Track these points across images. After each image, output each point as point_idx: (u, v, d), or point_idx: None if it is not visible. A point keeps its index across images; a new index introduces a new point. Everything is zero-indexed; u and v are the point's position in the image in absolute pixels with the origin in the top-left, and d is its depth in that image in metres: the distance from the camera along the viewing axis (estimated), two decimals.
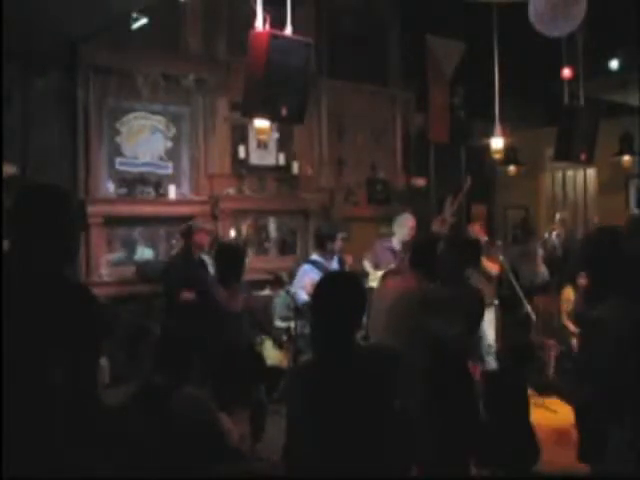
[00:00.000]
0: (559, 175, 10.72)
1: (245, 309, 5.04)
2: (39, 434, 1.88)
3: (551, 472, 3.69)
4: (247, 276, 6.30)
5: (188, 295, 5.47)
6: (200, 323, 5.05)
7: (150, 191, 6.87)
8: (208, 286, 5.13)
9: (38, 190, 2.10)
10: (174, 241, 6.67)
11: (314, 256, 6.10)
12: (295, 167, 7.84)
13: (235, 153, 7.51)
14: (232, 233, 6.97)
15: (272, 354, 6.09)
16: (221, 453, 2.91)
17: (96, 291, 4.29)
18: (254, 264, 6.79)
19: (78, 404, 1.92)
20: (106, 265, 6.62)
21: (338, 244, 5.90)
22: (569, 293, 7.03)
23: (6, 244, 2.04)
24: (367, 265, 6.38)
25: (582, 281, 6.91)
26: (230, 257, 5.12)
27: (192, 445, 2.71)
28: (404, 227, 6.32)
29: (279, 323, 6.46)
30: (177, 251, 6.25)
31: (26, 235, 1.98)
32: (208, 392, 3.47)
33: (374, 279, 6.30)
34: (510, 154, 9.35)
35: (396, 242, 6.34)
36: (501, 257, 6.60)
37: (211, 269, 5.70)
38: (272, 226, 7.90)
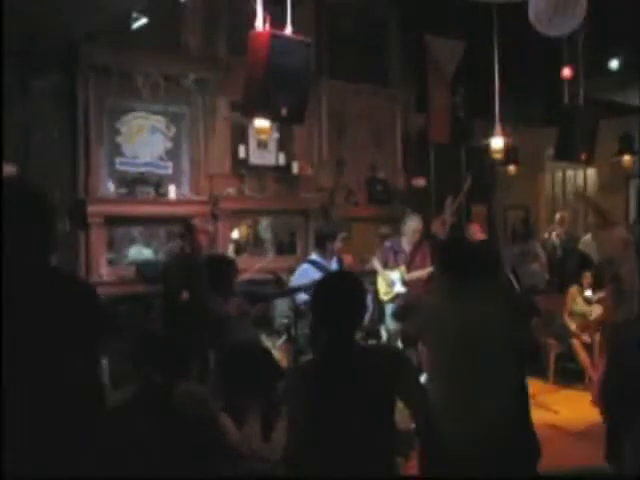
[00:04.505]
0: (559, 175, 10.72)
1: (240, 314, 5.02)
2: (38, 433, 1.88)
3: (552, 472, 3.69)
4: (247, 276, 6.32)
5: (185, 295, 5.48)
6: (201, 322, 5.05)
7: (150, 191, 6.87)
8: (206, 289, 5.12)
9: (9, 188, 2.10)
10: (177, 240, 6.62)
11: (313, 256, 6.13)
12: (295, 167, 7.84)
13: (235, 153, 7.52)
14: (234, 234, 6.97)
15: None
16: (221, 451, 2.91)
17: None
18: (254, 264, 6.79)
19: (80, 402, 1.93)
20: (106, 265, 6.63)
21: (338, 244, 5.93)
22: (574, 292, 7.02)
23: None
24: (376, 264, 6.45)
25: (587, 280, 6.91)
26: (220, 270, 5.08)
27: (192, 442, 2.71)
28: (409, 230, 6.37)
29: (279, 322, 6.47)
30: (176, 251, 6.24)
31: (6, 232, 1.98)
32: (209, 390, 3.47)
33: (383, 278, 6.36)
34: (510, 154, 9.34)
35: (405, 243, 6.40)
36: None
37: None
38: (272, 226, 7.90)
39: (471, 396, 2.87)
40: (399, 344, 5.94)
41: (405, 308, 3.44)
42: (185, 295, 5.45)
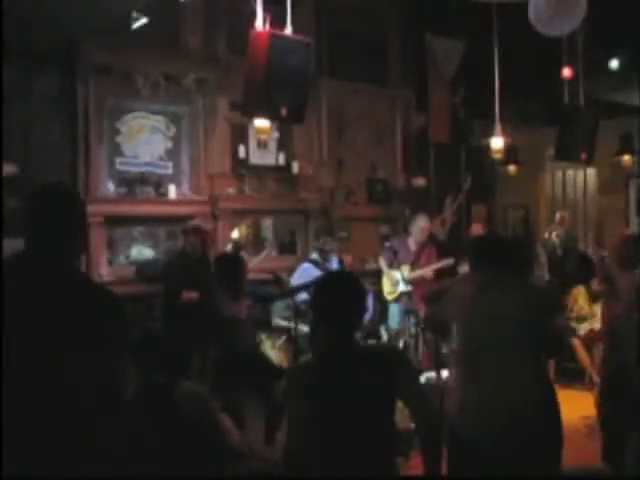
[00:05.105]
0: (559, 175, 10.71)
1: (248, 318, 5.04)
2: (44, 433, 1.88)
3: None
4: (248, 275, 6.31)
5: (191, 295, 5.47)
6: (203, 323, 5.06)
7: (150, 191, 6.87)
8: (211, 289, 5.12)
9: (51, 190, 2.13)
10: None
11: (314, 255, 6.23)
12: (295, 167, 7.84)
13: (235, 153, 7.52)
14: (234, 234, 6.97)
15: (271, 354, 6.10)
16: (221, 451, 2.92)
17: None
18: (254, 264, 6.79)
19: (97, 403, 1.93)
20: (106, 265, 6.63)
21: (322, 243, 6.09)
22: (579, 293, 6.97)
23: (15, 243, 2.06)
24: (382, 263, 6.50)
25: (597, 287, 6.81)
26: (230, 267, 5.11)
27: (192, 442, 2.71)
28: (417, 229, 6.44)
29: (279, 322, 6.47)
30: (178, 250, 6.24)
31: (41, 234, 2.00)
32: (211, 389, 3.47)
33: (388, 278, 6.39)
34: (510, 154, 9.33)
35: (411, 242, 6.47)
36: None
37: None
38: (272, 226, 7.90)
39: (492, 386, 2.95)
40: (399, 344, 5.97)
41: (438, 292, 3.51)
42: (194, 295, 5.44)
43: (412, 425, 2.66)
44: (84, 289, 2.04)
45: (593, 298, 6.84)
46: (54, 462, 1.88)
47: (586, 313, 6.89)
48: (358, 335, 2.82)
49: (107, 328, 1.98)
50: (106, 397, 1.95)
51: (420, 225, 6.44)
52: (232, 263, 5.16)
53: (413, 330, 5.84)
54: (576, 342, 6.73)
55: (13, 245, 2.17)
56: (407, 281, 6.27)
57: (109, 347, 1.98)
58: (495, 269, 3.12)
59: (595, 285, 6.83)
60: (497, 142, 6.91)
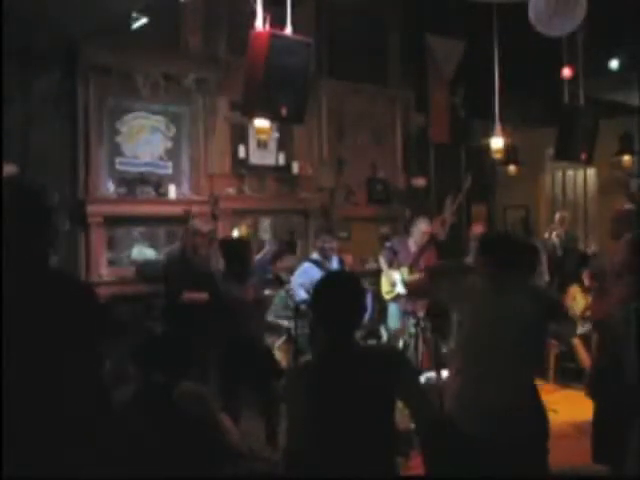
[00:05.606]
0: (559, 175, 10.72)
1: (255, 301, 5.03)
2: (39, 434, 1.88)
3: (551, 472, 3.69)
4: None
5: (200, 296, 5.43)
6: (205, 322, 5.05)
7: (150, 191, 6.87)
8: (216, 283, 5.11)
9: (12, 187, 2.11)
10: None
11: (314, 255, 6.24)
12: (295, 167, 7.84)
13: (235, 153, 7.52)
14: (234, 234, 6.97)
15: None
16: (221, 451, 2.92)
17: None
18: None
19: (82, 403, 1.92)
20: (106, 265, 6.63)
21: (323, 241, 6.12)
22: (575, 291, 6.98)
23: None
24: (382, 263, 6.53)
25: (587, 280, 6.85)
26: (237, 250, 5.12)
27: (192, 442, 2.71)
28: (418, 231, 6.48)
29: (279, 322, 6.47)
30: (178, 250, 6.23)
31: (8, 231, 1.99)
32: (211, 389, 3.48)
33: (387, 278, 6.41)
34: (510, 154, 9.33)
35: (412, 243, 6.50)
36: None
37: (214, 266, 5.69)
38: (272, 226, 7.90)
39: (492, 386, 2.97)
40: (399, 344, 5.97)
41: (444, 269, 3.48)
42: (203, 296, 5.42)
43: (412, 425, 2.66)
44: (57, 283, 2.03)
45: (586, 293, 6.87)
46: (54, 462, 1.88)
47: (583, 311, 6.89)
48: (358, 335, 2.82)
49: (81, 321, 1.97)
50: (85, 392, 1.95)
51: (421, 228, 6.46)
52: (237, 246, 5.16)
53: (413, 330, 5.85)
54: (576, 342, 6.74)
55: None
56: (405, 283, 6.28)
57: (92, 339, 1.97)
58: (498, 269, 3.11)
59: (587, 281, 6.87)
60: (497, 142, 6.91)
